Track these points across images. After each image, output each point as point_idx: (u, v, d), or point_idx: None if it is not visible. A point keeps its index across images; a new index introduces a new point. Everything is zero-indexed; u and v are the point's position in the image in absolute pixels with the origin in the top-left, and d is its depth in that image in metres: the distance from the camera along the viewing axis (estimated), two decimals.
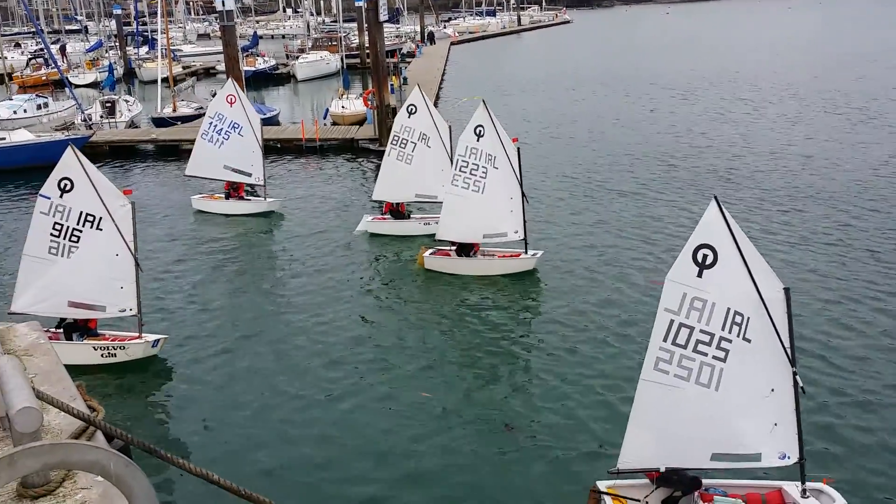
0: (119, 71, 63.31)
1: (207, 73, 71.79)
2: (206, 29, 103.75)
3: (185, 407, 14.67)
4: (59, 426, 3.90)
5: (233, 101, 26.70)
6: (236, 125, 26.56)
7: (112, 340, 16.29)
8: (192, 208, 27.19)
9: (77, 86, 53.86)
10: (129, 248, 15.87)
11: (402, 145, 23.55)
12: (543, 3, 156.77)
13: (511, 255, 20.85)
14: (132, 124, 43.59)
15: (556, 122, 42.46)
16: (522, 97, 51.90)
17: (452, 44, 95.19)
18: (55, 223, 15.58)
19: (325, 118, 43.44)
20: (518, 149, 20.15)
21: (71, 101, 43.12)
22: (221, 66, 51.93)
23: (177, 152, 37.38)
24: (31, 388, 3.26)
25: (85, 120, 39.45)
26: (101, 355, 16.08)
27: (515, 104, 48.70)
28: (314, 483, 12.13)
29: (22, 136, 34.52)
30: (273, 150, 36.94)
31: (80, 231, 15.62)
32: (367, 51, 52.10)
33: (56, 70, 47.20)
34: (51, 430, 3.89)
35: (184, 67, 68.28)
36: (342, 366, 15.78)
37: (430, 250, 21.04)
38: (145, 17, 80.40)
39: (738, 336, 9.69)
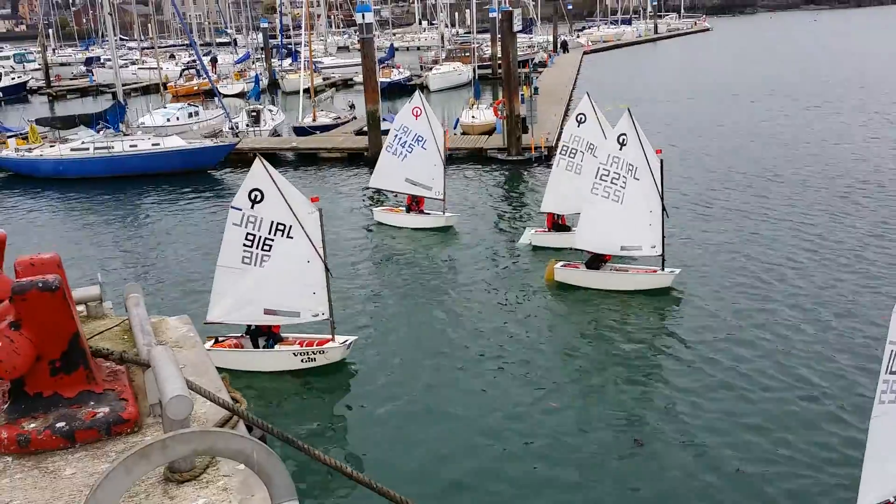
0: (264, 82, 66.11)
1: (346, 84, 73.99)
2: (345, 41, 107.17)
3: (364, 406, 15.16)
4: (204, 415, 4.09)
5: (418, 113, 26.34)
6: (420, 138, 26.28)
7: (310, 346, 16.66)
8: (373, 220, 27.43)
9: (225, 95, 56.59)
10: (320, 255, 16.20)
11: (572, 155, 22.85)
12: (682, 11, 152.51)
13: (646, 271, 20.27)
14: (275, 133, 45.53)
15: (695, 135, 41.15)
16: (657, 107, 50.55)
17: (585, 53, 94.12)
18: (248, 234, 15.96)
19: (455, 128, 43.89)
20: (661, 161, 19.60)
21: (220, 110, 45.42)
22: (359, 78, 53.48)
23: (315, 160, 38.80)
24: (182, 378, 3.44)
25: (232, 128, 41.43)
26: (301, 360, 16.48)
27: (650, 114, 47.55)
28: (452, 482, 12.49)
29: (174, 143, 36.77)
30: None
31: (272, 240, 15.96)
32: (499, 61, 52.35)
33: (207, 80, 49.95)
34: (197, 419, 4.08)
35: (324, 79, 70.60)
36: (481, 376, 15.91)
37: (561, 263, 20.74)
38: (290, 30, 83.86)
39: None
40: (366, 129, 39.33)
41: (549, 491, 12.21)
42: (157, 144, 36.37)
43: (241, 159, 38.23)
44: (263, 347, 16.77)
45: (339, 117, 48.20)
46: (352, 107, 50.75)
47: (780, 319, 17.98)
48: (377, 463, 13.03)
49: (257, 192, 15.87)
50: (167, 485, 3.34)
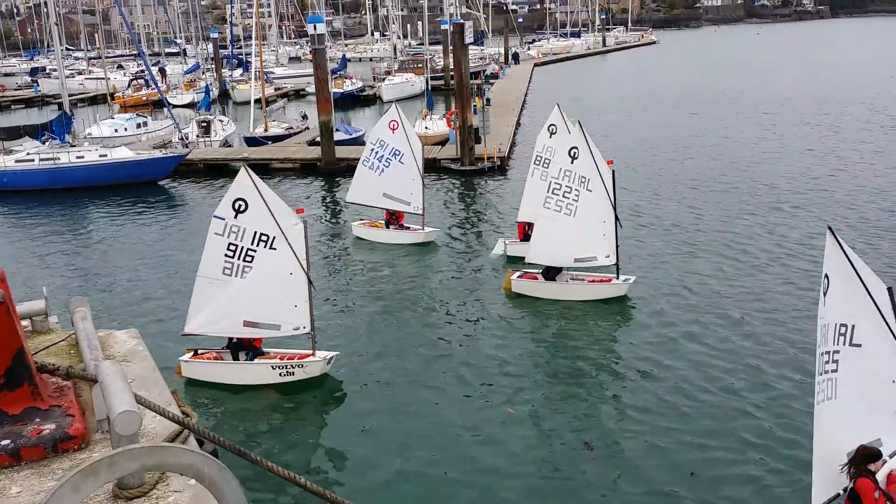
0: (215, 92, 65.47)
1: (298, 94, 73.72)
2: (297, 52, 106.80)
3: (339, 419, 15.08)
4: (154, 430, 4.04)
5: (395, 127, 25.71)
6: (397, 152, 25.69)
7: (290, 359, 16.35)
8: (351, 234, 26.90)
9: (175, 106, 56.02)
10: (303, 267, 15.92)
11: (545, 165, 22.65)
12: (629, 24, 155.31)
13: (601, 280, 20.46)
14: (226, 143, 45.03)
15: (645, 146, 41.80)
16: (607, 118, 51.34)
17: (536, 65, 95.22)
18: (230, 244, 15.67)
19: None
20: (613, 171, 19.82)
21: (169, 121, 44.85)
22: (311, 88, 53.28)
23: (267, 171, 38.48)
24: (131, 393, 3.40)
25: (182, 139, 40.93)
26: (280, 374, 16.19)
27: (601, 126, 48.30)
28: (415, 495, 12.51)
29: (122, 154, 36.11)
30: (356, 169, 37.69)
31: (255, 251, 15.68)
32: (452, 72, 52.66)
33: (156, 91, 49.28)
34: (146, 434, 4.04)
35: (275, 89, 70.20)
36: (444, 389, 15.91)
37: (518, 273, 20.81)
38: (241, 40, 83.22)
39: (845, 344, 10.19)
40: (318, 139, 39.19)
41: (510, 496, 12.32)
42: (105, 156, 35.70)
43: (190, 170, 37.97)
44: (240, 361, 16.52)
45: (292, 128, 47.96)
46: (304, 117, 50.56)
47: (733, 325, 18.28)
48: (347, 476, 12.98)
49: (241, 202, 15.62)
50: (116, 501, 3.30)
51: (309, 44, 46.12)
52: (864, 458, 9.94)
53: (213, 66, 76.34)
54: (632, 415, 14.57)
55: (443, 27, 71.63)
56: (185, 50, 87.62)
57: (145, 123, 47.30)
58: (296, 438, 14.39)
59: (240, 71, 74.51)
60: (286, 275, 15.84)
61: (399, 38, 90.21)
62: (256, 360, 16.41)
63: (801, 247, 23.65)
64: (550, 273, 20.55)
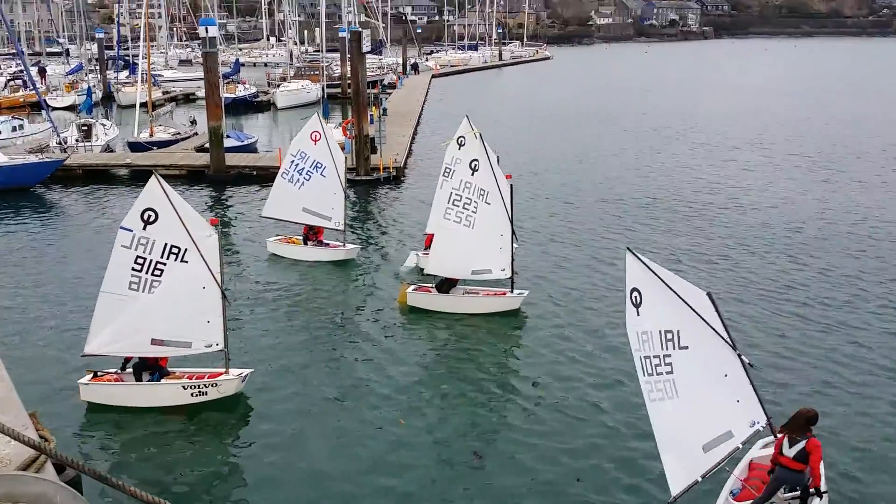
0: (97, 94, 62.94)
1: (187, 98, 71.73)
2: (188, 55, 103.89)
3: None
4: (7, 456, 3.80)
5: (317, 138, 24.49)
6: (319, 165, 24.45)
7: (202, 378, 15.48)
8: (265, 249, 25.40)
9: (55, 108, 53.40)
10: (217, 280, 15.10)
11: (452, 176, 22.22)
12: (525, 40, 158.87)
13: (495, 294, 20.46)
14: (108, 148, 43.13)
15: (540, 159, 42.37)
16: (503, 131, 52.19)
17: (434, 76, 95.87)
18: (137, 257, 14.77)
19: None
20: (511, 185, 19.87)
21: (47, 124, 42.68)
22: (202, 93, 51.91)
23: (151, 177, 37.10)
24: None
25: (60, 143, 39.02)
26: (192, 394, 15.30)
27: (498, 139, 49.03)
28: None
29: None
30: (248, 177, 36.93)
31: (164, 264, 14.80)
32: (349, 81, 52.37)
33: (34, 92, 46.86)
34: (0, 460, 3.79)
35: (164, 93, 68.13)
36: (349, 407, 15.52)
37: (413, 286, 20.64)
38: (128, 41, 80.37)
39: (674, 348, 11.13)
40: (207, 145, 38.13)
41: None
42: None
43: (69, 176, 36.10)
44: (145, 382, 15.56)
45: (179, 133, 46.45)
46: (193, 122, 49.12)
47: (614, 335, 18.50)
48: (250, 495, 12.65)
49: (151, 213, 14.71)
50: None
51: (200, 46, 44.94)
52: (808, 421, 11.10)
53: (98, 67, 73.32)
54: (520, 424, 14.76)
55: (340, 35, 71.21)
56: (67, 50, 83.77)
57: (21, 126, 44.84)
58: (204, 461, 13.67)
59: (126, 73, 71.91)
60: (198, 289, 15.03)
61: (295, 44, 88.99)
62: (164, 381, 15.50)
63: (687, 256, 24.58)
64: (444, 286, 20.45)
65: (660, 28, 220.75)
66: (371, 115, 40.33)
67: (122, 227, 15.01)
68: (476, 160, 19.77)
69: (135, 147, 42.36)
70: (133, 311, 14.90)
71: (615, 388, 16.08)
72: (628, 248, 11.46)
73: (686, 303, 11.11)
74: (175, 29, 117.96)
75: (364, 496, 12.65)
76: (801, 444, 10.93)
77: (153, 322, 14.94)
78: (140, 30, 56.83)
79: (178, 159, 39.13)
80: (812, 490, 11.18)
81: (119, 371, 15.66)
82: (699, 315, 11.13)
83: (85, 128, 42.95)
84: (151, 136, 44.22)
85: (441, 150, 24.89)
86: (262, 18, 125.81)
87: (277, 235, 25.88)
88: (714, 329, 11.23)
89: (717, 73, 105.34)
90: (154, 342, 15.11)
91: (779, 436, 11.36)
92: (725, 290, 21.48)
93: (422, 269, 22.03)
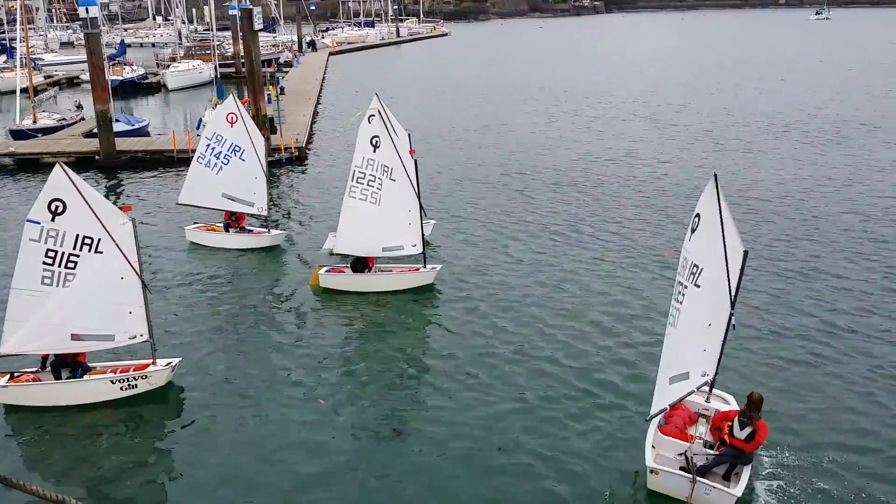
0: None
1: (71, 82, 68.39)
2: (69, 37, 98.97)
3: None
4: None
5: (234, 120, 23.42)
6: (237, 148, 23.41)
7: (131, 371, 14.80)
8: (185, 240, 24.12)
9: None
10: (135, 270, 14.46)
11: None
12: (421, 16, 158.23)
13: (409, 270, 20.34)
14: None
15: (443, 135, 42.38)
16: (405, 108, 51.87)
17: (331, 54, 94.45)
18: (48, 250, 14.03)
19: (198, 129, 42.03)
20: (416, 161, 19.68)
21: None
22: (86, 76, 49.47)
23: (38, 166, 35.24)
24: None
25: None
26: (121, 388, 14.66)
27: (399, 115, 48.79)
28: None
29: None
30: (142, 162, 35.51)
31: (77, 256, 14.12)
32: (243, 60, 50.90)
33: None
34: None
35: (45, 77, 64.73)
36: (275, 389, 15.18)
37: (325, 268, 20.28)
38: (3, 24, 75.77)
39: (692, 283, 12.03)
40: (96, 130, 36.42)
41: (318, 480, 12.48)
42: None
43: None
44: (68, 379, 14.78)
45: (65, 118, 44.23)
46: (79, 107, 46.89)
47: (537, 305, 18.91)
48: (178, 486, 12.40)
49: (58, 203, 13.99)
50: None
51: (82, 28, 42.73)
52: (759, 405, 11.71)
53: None
54: (438, 399, 14.88)
55: (231, 12, 69.03)
56: None
57: None
58: (134, 454, 13.23)
59: (3, 58, 67.84)
60: (116, 280, 14.46)
61: (184, 22, 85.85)
62: (89, 377, 14.82)
63: (586, 224, 25.08)
64: (359, 265, 20.21)
65: (553, 3, 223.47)
66: (268, 95, 39.35)
67: (28, 220, 14.22)
68: (377, 136, 19.51)
69: (18, 135, 40.08)
70: (49, 306, 14.25)
71: (527, 361, 16.26)
72: (714, 175, 11.84)
73: (725, 249, 11.83)
74: (54, 10, 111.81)
75: (287, 476, 12.53)
76: (751, 428, 11.59)
77: (71, 317, 14.33)
78: (16, 12, 53.45)
79: (65, 146, 37.24)
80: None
81: (38, 370, 14.95)
82: (727, 263, 11.92)
83: None
84: (35, 122, 41.95)
85: (344, 128, 24.35)
86: None
87: (196, 223, 24.68)
88: (729, 281, 12.05)
89: (612, 47, 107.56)
90: (74, 337, 14.50)
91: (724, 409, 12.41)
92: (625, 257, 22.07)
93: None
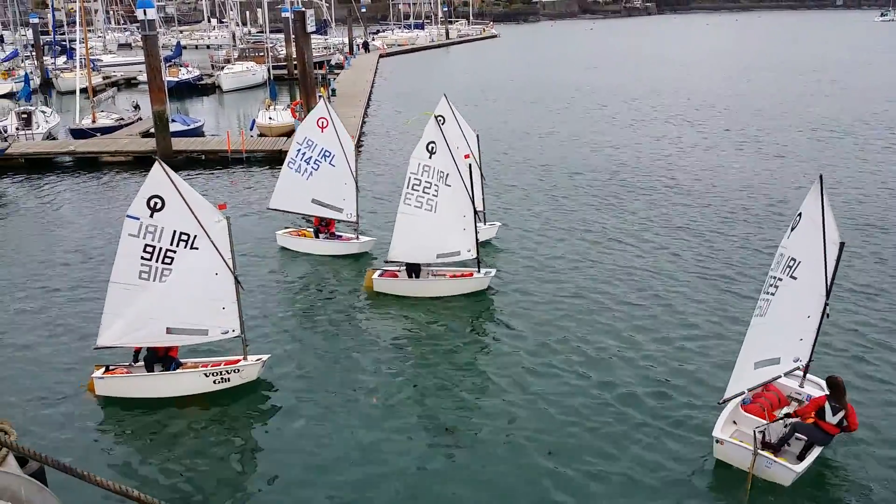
0: (35, 81, 61.12)
1: (128, 83, 70.03)
2: (127, 38, 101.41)
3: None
4: None
5: (325, 125, 23.23)
6: (328, 153, 23.23)
7: (224, 364, 15.16)
8: (275, 244, 24.02)
9: None
10: (229, 266, 14.78)
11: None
12: (471, 18, 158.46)
13: (463, 275, 20.23)
14: (49, 136, 41.96)
15: (498, 138, 42.42)
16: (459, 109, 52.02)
17: (381, 56, 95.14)
18: (146, 245, 14.40)
19: (251, 129, 42.77)
20: (470, 165, 19.60)
21: None
22: (143, 77, 50.68)
23: (97, 164, 36.24)
24: None
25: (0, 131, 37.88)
26: (214, 381, 14.98)
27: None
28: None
29: None
30: (197, 162, 36.23)
31: (174, 251, 14.47)
32: (295, 62, 51.63)
33: None
34: None
35: (104, 78, 66.40)
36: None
37: (378, 272, 20.33)
38: (63, 26, 78.02)
39: (788, 276, 12.58)
40: (153, 130, 37.27)
41: (372, 479, 12.54)
42: None
43: (10, 165, 35.06)
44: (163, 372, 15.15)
45: (123, 118, 45.30)
46: (136, 107, 47.98)
47: (591, 312, 18.66)
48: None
49: (157, 200, 14.34)
50: None
51: (139, 30, 43.77)
52: (844, 390, 12.13)
53: (34, 53, 71.08)
54: (491, 401, 14.83)
55: (283, 15, 70.04)
56: (1, 36, 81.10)
57: None
58: (219, 449, 13.44)
59: (63, 58, 69.86)
60: (211, 276, 14.75)
61: (238, 25, 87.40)
62: (182, 370, 15.15)
63: (652, 227, 24.61)
64: (413, 269, 20.17)
65: (603, 5, 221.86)
66: (320, 96, 39.74)
67: (128, 216, 14.57)
68: (433, 142, 19.41)
69: (77, 134, 41.21)
70: (145, 300, 14.56)
71: (583, 365, 16.10)
72: (820, 176, 12.52)
73: (824, 241, 12.35)
74: (112, 12, 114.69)
75: (341, 473, 12.66)
76: (843, 413, 12.03)
77: (167, 311, 14.64)
78: (75, 14, 55.00)
79: (123, 145, 38.15)
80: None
81: (132, 364, 15.30)
82: (825, 255, 12.43)
83: (25, 115, 41.66)
84: (94, 122, 43.06)
85: (397, 129, 24.31)
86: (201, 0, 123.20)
87: (287, 228, 24.65)
88: (826, 272, 12.52)
89: (665, 49, 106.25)
90: (169, 331, 14.80)
91: (817, 395, 12.77)
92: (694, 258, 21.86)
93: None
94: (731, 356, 14.49)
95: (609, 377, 15.59)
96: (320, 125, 23.34)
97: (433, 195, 19.50)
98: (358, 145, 38.83)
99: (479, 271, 20.12)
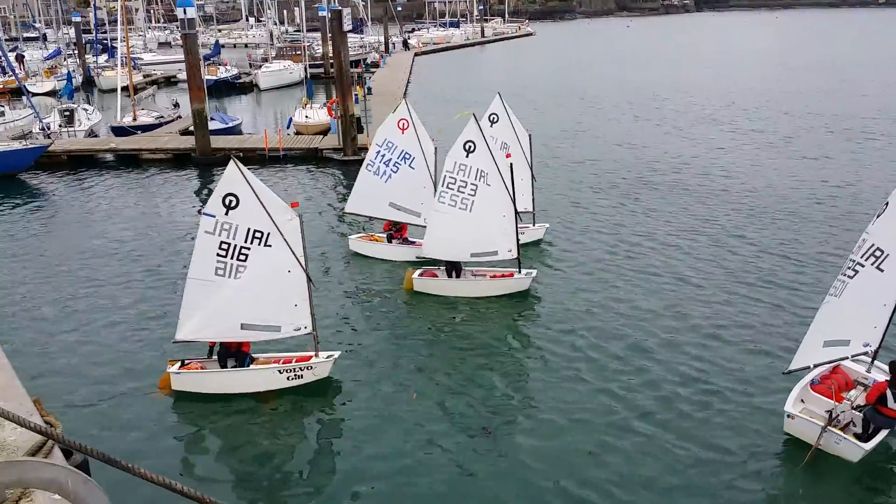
0: (78, 79, 62.30)
1: (168, 81, 71.01)
2: (167, 37, 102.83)
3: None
4: (14, 443, 3.75)
5: (405, 126, 22.56)
6: (408, 156, 22.54)
7: (296, 361, 15.43)
8: (347, 249, 23.52)
9: (35, 94, 52.80)
10: (301, 264, 15.01)
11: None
12: (506, 16, 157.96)
13: (503, 275, 20.11)
14: (91, 133, 42.73)
15: (540, 136, 42.04)
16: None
17: (416, 54, 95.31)
18: (222, 242, 14.66)
19: (288, 128, 43.16)
20: (511, 165, 19.42)
21: (28, 110, 42.10)
22: (182, 75, 51.36)
23: (137, 161, 36.87)
24: None
25: (43, 129, 38.56)
26: (287, 378, 15.22)
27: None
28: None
29: None
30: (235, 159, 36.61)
31: (248, 249, 14.72)
32: (331, 60, 51.99)
33: (13, 78, 46.24)
34: (6, 447, 3.75)
35: (144, 76, 67.43)
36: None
37: (419, 271, 20.29)
38: (105, 25, 79.38)
39: (871, 265, 12.64)
40: (192, 128, 37.79)
41: (407, 475, 12.64)
42: None
43: (53, 162, 35.71)
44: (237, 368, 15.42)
45: (163, 116, 46.00)
46: (176, 105, 48.68)
47: (624, 315, 18.49)
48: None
49: (232, 198, 14.60)
50: None
51: (179, 28, 44.41)
52: None
53: (76, 51, 72.47)
54: (529, 401, 14.85)
55: (320, 14, 70.56)
56: (45, 35, 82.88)
57: (2, 113, 44.19)
58: (291, 445, 13.70)
59: (105, 57, 71.08)
60: (284, 273, 14.98)
61: (275, 24, 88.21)
62: (255, 366, 15.40)
63: (722, 238, 24.23)
64: (453, 269, 20.14)
65: (641, 2, 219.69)
66: (356, 95, 40.02)
67: (204, 213, 14.86)
68: (471, 142, 19.31)
69: (119, 131, 41.91)
70: (221, 296, 14.80)
71: (623, 368, 15.97)
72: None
73: None
74: (152, 11, 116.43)
75: (384, 469, 12.79)
76: None
77: (242, 307, 14.87)
78: (117, 13, 55.94)
79: (163, 143, 38.73)
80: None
81: (205, 359, 15.55)
82: None
83: (67, 113, 42.45)
84: (135, 120, 43.76)
85: (434, 126, 24.10)
86: None
87: (359, 233, 24.19)
88: None
89: (708, 46, 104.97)
90: (244, 327, 15.04)
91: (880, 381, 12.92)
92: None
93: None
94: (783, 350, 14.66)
95: (648, 383, 15.41)
96: (401, 126, 22.67)
97: (469, 194, 19.43)
98: None
99: (519, 272, 19.98)
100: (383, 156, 22.77)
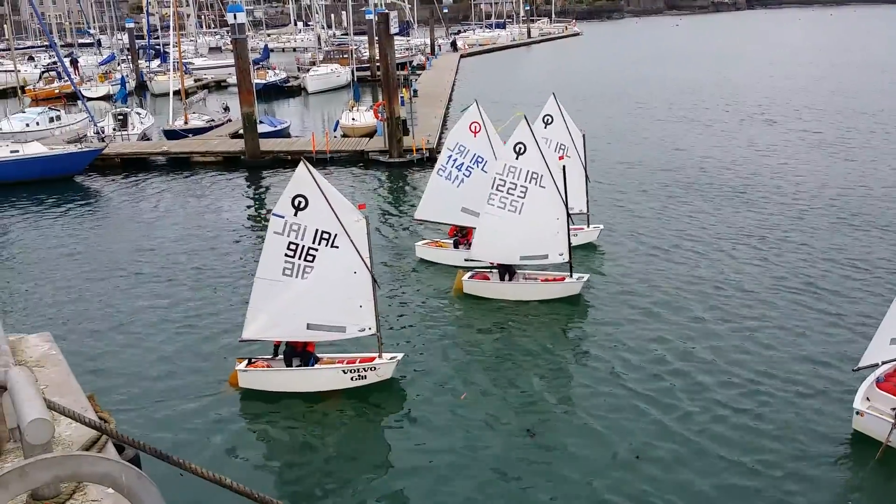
0: (131, 84, 63.51)
1: (219, 85, 72.13)
2: (217, 42, 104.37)
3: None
4: (69, 437, 3.86)
5: (477, 129, 21.96)
6: (480, 159, 21.88)
7: (361, 362, 15.54)
8: (415, 256, 23.14)
9: (89, 98, 53.99)
10: (367, 265, 15.10)
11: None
12: (553, 16, 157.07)
13: (555, 279, 19.88)
14: (144, 137, 43.62)
15: (593, 137, 41.63)
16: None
17: (462, 56, 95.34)
18: (290, 243, 14.87)
19: (335, 130, 43.53)
20: (564, 168, 19.19)
21: (83, 114, 43.14)
22: (233, 79, 52.21)
23: (188, 164, 37.58)
24: (42, 400, 3.25)
25: (97, 132, 39.43)
26: (352, 378, 15.33)
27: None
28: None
29: (35, 149, 34.42)
30: (283, 162, 37.10)
31: (316, 249, 14.89)
32: (378, 63, 52.31)
33: (69, 83, 47.46)
34: (62, 442, 3.86)
35: (195, 80, 68.54)
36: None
37: (469, 274, 20.13)
38: (157, 30, 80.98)
39: None
40: (241, 131, 38.39)
41: (448, 475, 12.73)
42: (17, 151, 33.98)
43: (107, 165, 36.55)
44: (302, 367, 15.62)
45: (213, 120, 46.75)
46: (226, 109, 49.41)
47: (677, 322, 18.15)
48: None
49: (301, 199, 14.80)
50: None
51: (229, 33, 45.16)
52: None
53: (129, 56, 73.99)
54: (576, 406, 14.75)
55: (367, 17, 71.04)
56: (99, 41, 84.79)
57: (58, 117, 45.40)
58: (357, 445, 13.85)
59: (157, 62, 72.49)
60: (350, 274, 15.09)
61: (323, 27, 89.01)
62: (320, 366, 15.54)
63: (772, 241, 23.77)
64: (506, 272, 19.99)
65: (690, 0, 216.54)
66: (402, 97, 40.20)
67: (274, 214, 15.05)
68: (521, 143, 19.11)
69: (170, 135, 42.72)
70: (288, 296, 14.94)
71: (672, 376, 15.71)
72: None
73: None
74: (203, 17, 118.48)
75: (422, 472, 12.83)
76: None
77: (308, 307, 14.99)
78: (169, 19, 57.14)
79: (213, 146, 39.37)
80: None
81: (271, 358, 15.72)
82: None
83: (121, 117, 43.36)
84: (186, 123, 44.53)
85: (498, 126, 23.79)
86: (288, 3, 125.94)
87: (425, 240, 23.85)
88: None
89: (762, 45, 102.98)
90: (310, 327, 15.16)
91: None
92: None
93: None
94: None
95: (701, 389, 15.16)
96: (473, 130, 22.12)
97: (518, 196, 19.24)
98: (438, 145, 39.03)
99: (571, 276, 19.74)
100: (455, 160, 22.22)
